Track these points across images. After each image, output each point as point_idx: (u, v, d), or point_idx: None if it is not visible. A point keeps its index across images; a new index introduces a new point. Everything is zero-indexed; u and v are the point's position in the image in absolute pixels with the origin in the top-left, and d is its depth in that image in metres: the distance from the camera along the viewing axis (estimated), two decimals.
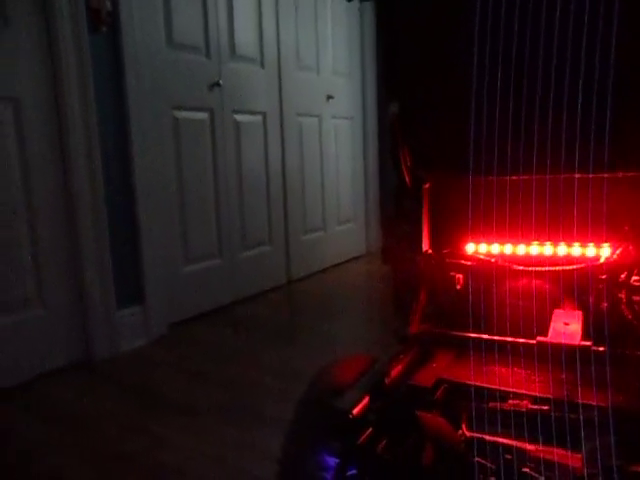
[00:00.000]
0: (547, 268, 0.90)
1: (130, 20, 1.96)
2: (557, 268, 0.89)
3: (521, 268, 0.92)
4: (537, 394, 0.81)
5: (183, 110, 2.26)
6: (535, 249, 0.92)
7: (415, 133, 1.03)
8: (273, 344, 2.06)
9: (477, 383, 0.83)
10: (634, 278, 0.84)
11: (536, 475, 0.71)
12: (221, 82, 2.39)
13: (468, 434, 0.83)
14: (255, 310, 2.50)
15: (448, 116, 0.99)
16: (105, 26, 1.88)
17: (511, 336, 0.89)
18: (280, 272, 2.86)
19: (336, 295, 2.74)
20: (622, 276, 0.85)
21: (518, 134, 0.84)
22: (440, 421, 0.80)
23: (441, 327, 0.99)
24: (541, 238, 0.91)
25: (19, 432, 1.47)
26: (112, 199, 1.97)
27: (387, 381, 0.86)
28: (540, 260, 0.91)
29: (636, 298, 0.86)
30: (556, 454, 0.77)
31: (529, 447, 0.78)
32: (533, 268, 0.91)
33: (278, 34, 2.68)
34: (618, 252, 0.86)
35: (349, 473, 0.75)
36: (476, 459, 0.75)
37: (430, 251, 1.02)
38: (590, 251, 0.89)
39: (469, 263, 0.95)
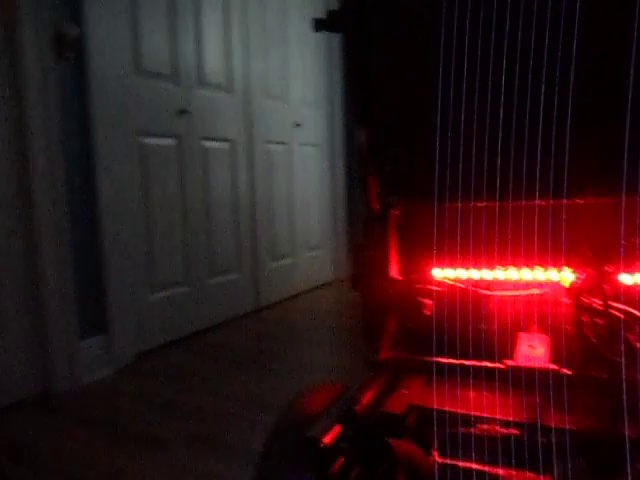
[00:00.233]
0: (513, 292, 0.92)
1: (97, 46, 1.95)
2: (523, 292, 0.91)
3: (488, 293, 0.94)
4: (508, 418, 0.82)
5: (150, 136, 2.25)
6: (500, 274, 0.93)
7: (383, 160, 1.05)
8: (242, 373, 2.02)
9: (448, 409, 0.84)
10: (596, 302, 0.87)
11: None
12: (189, 109, 2.39)
13: (440, 460, 0.83)
14: (223, 338, 2.46)
15: (414, 144, 1.01)
16: (71, 52, 1.86)
17: (479, 360, 0.90)
18: (249, 299, 2.83)
19: (305, 322, 2.73)
20: (585, 300, 0.88)
21: (481, 162, 0.86)
22: (412, 448, 0.79)
23: (411, 353, 0.99)
24: (505, 263, 0.93)
25: None
26: (75, 225, 1.93)
27: (358, 409, 0.85)
28: (506, 284, 0.93)
29: (599, 321, 0.88)
30: (528, 478, 0.78)
31: (501, 472, 0.79)
32: (500, 293, 0.93)
33: (247, 62, 2.71)
34: (582, 277, 0.89)
35: None
36: None
37: (398, 277, 1.03)
38: (554, 275, 0.91)
39: (437, 288, 0.97)
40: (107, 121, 2.00)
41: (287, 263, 3.12)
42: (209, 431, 1.55)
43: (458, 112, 0.87)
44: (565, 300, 0.89)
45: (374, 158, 1.06)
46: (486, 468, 0.77)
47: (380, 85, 1.04)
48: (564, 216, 0.84)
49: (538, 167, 0.83)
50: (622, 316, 0.83)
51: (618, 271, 0.87)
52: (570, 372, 0.84)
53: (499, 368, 0.87)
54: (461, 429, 0.82)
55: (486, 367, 0.88)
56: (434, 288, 0.96)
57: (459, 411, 0.82)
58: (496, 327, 0.95)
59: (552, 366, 0.85)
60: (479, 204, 0.90)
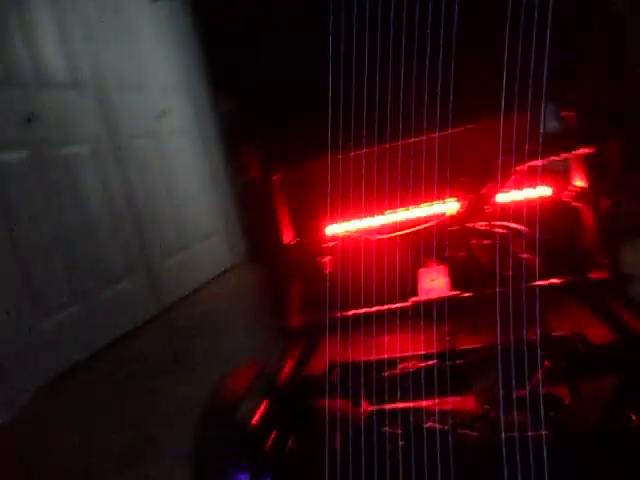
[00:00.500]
0: (402, 233, 0.94)
1: None
2: (411, 230, 0.93)
3: (380, 237, 0.95)
4: (424, 352, 0.85)
5: None
6: (390, 217, 0.95)
7: (258, 128, 1.02)
8: (157, 379, 1.93)
9: (366, 358, 0.84)
10: (479, 224, 0.91)
11: (440, 426, 0.74)
12: (37, 115, 2.17)
13: (369, 408, 0.84)
14: (130, 348, 2.32)
15: (289, 104, 0.99)
16: None
17: (387, 304, 0.92)
18: (149, 303, 2.69)
19: (214, 312, 2.65)
20: (471, 225, 0.92)
21: (356, 110, 0.86)
22: (339, 403, 0.80)
23: (321, 313, 0.99)
24: (394, 206, 0.95)
25: None
26: None
27: (280, 380, 0.84)
28: (397, 226, 0.95)
29: (485, 242, 0.93)
30: (452, 402, 0.81)
31: (427, 403, 0.81)
32: (388, 235, 0.95)
33: (94, 55, 2.50)
34: (463, 203, 0.93)
35: None
36: (383, 429, 0.76)
37: (293, 241, 1.01)
38: (440, 208, 0.95)
39: (332, 244, 0.96)
40: None
41: (182, 257, 3.00)
42: (131, 447, 1.46)
43: (336, 60, 0.85)
44: (453, 228, 0.93)
45: (246, 126, 1.03)
46: (410, 404, 0.79)
47: (242, 50, 1.00)
48: (437, 150, 0.87)
49: (411, 106, 0.84)
50: (506, 232, 0.88)
51: (496, 192, 0.91)
52: (470, 294, 0.88)
53: (405, 307, 0.90)
54: (385, 373, 0.83)
55: (394, 309, 0.90)
56: (330, 245, 0.96)
57: (377, 358, 0.83)
58: (398, 269, 0.97)
59: (452, 293, 0.89)
60: (358, 152, 0.90)
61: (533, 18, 0.76)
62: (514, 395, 0.76)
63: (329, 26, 0.85)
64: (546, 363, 0.77)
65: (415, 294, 0.92)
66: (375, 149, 0.88)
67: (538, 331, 0.78)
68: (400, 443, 0.72)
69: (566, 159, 0.90)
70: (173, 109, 3.08)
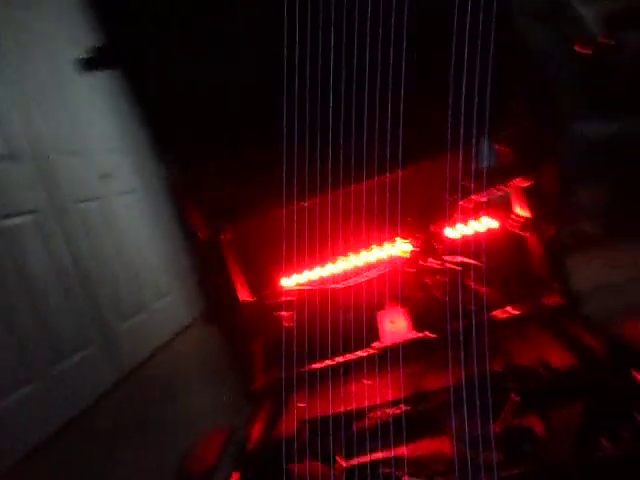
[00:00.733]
0: (356, 280, 0.93)
1: None
2: (366, 276, 0.93)
3: (336, 286, 0.94)
4: (392, 398, 0.83)
5: None
6: (343, 264, 0.95)
7: (200, 188, 1.01)
8: (121, 454, 1.82)
9: (335, 411, 0.82)
10: (431, 261, 0.92)
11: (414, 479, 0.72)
12: None
13: (345, 464, 0.81)
14: (90, 425, 2.19)
15: (226, 165, 0.98)
16: None
17: (351, 352, 0.90)
18: (109, 370, 2.57)
19: (176, 374, 2.56)
20: (422, 263, 0.92)
21: (298, 163, 0.86)
22: (313, 466, 0.76)
23: (286, 369, 0.96)
24: (345, 252, 0.94)
25: None
26: None
27: (250, 447, 0.80)
28: (351, 273, 0.95)
29: (440, 278, 0.93)
30: (426, 447, 0.79)
31: (402, 451, 0.79)
32: (345, 283, 0.94)
33: (29, 123, 2.45)
34: (415, 244, 0.94)
35: None
36: None
37: (249, 298, 0.99)
38: (391, 250, 0.95)
39: (288, 298, 0.95)
40: None
41: (139, 319, 2.90)
42: None
43: (267, 120, 0.86)
44: (408, 269, 0.93)
45: (190, 187, 1.01)
46: (386, 454, 0.76)
47: (175, 112, 0.99)
48: (382, 193, 0.87)
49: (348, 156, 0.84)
50: (458, 268, 0.89)
51: (443, 227, 0.93)
52: (433, 335, 0.88)
53: (370, 354, 0.88)
54: (354, 427, 0.81)
55: (358, 357, 0.89)
56: (286, 299, 0.94)
57: (345, 410, 0.81)
58: (357, 315, 0.95)
59: (415, 335, 0.88)
60: (304, 203, 0.90)
61: (463, 62, 0.79)
62: (489, 432, 0.74)
63: (267, 80, 0.86)
64: (513, 395, 0.76)
65: (377, 339, 0.91)
66: (317, 199, 0.88)
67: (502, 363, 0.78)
68: None
69: (506, 192, 0.93)
70: (118, 171, 3.03)
